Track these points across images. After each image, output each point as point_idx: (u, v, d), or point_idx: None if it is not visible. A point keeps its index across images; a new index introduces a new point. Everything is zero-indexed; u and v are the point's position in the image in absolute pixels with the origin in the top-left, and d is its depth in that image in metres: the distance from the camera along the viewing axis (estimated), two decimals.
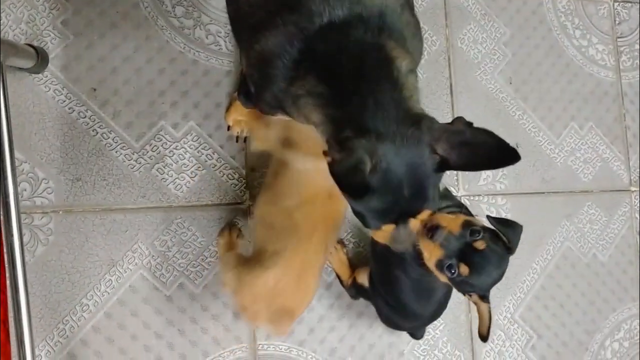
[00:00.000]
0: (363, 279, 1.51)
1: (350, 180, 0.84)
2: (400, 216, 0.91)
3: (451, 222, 1.10)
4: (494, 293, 1.75)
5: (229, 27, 1.56)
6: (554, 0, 1.97)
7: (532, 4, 1.94)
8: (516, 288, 1.79)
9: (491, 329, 1.19)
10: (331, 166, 0.86)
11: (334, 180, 0.84)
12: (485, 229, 1.12)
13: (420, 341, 1.68)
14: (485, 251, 1.10)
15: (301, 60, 0.95)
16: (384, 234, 0.95)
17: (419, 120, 0.87)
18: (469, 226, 1.10)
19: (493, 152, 0.85)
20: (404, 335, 1.66)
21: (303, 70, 0.95)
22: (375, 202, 0.87)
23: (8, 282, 1.25)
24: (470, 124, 0.87)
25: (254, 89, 1.09)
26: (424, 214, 0.92)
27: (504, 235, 1.13)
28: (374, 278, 1.46)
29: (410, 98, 0.90)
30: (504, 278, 1.74)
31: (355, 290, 1.56)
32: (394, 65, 0.91)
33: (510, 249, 1.14)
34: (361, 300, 1.63)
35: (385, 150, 0.84)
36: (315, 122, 0.95)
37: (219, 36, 1.61)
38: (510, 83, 1.87)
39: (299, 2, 0.94)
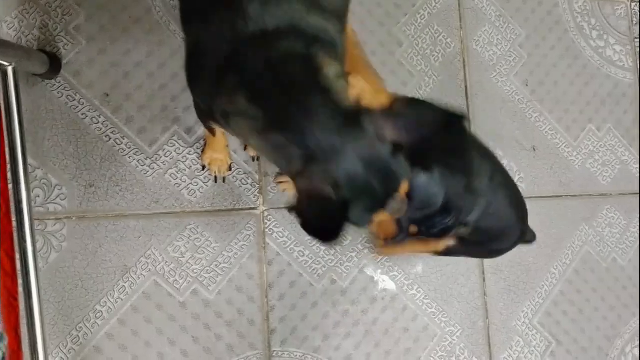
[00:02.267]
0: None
1: (327, 230, 0.86)
2: (382, 203, 0.89)
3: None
4: (511, 299, 1.74)
5: None
6: (570, 1, 1.94)
7: (547, 5, 1.91)
8: (534, 293, 1.76)
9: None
10: (300, 216, 0.87)
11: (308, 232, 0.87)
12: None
13: (437, 347, 1.66)
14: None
15: (226, 67, 0.92)
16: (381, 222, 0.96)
17: (357, 117, 0.85)
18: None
19: (438, 123, 0.84)
20: (421, 341, 1.64)
21: (230, 85, 0.92)
22: (354, 210, 0.86)
23: (21, 288, 1.24)
24: (409, 100, 0.86)
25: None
26: (404, 186, 0.91)
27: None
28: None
29: (342, 99, 0.88)
30: (521, 283, 1.74)
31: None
32: (322, 74, 0.89)
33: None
34: (377, 305, 1.62)
35: (339, 163, 0.84)
36: (256, 147, 0.94)
37: None
38: (527, 85, 1.85)
39: (238, 1, 0.92)
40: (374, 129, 0.85)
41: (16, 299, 1.06)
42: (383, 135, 0.85)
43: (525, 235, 1.48)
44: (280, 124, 0.87)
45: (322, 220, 0.86)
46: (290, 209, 0.89)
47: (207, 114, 1.06)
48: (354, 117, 0.85)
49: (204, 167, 1.54)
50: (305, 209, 0.87)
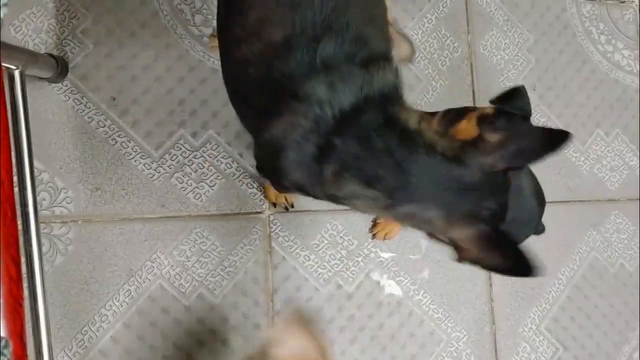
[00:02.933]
0: None
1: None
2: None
3: None
4: (517, 304, 1.73)
5: None
6: (578, 5, 1.93)
7: (555, 9, 1.91)
8: (541, 299, 1.75)
9: None
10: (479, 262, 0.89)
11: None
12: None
13: (443, 353, 1.65)
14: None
15: (324, 156, 0.92)
16: None
17: (460, 159, 0.87)
18: None
19: (542, 140, 0.85)
20: (427, 346, 1.63)
21: (335, 172, 0.92)
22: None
23: (27, 292, 1.24)
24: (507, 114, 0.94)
25: (266, 175, 1.09)
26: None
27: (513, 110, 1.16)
28: None
29: (440, 147, 0.89)
30: (528, 289, 1.73)
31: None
32: (413, 132, 0.90)
33: (526, 117, 1.18)
34: (383, 310, 1.61)
35: (475, 205, 0.87)
36: (380, 215, 0.99)
37: None
38: (534, 89, 1.84)
39: (302, 88, 0.92)
40: (480, 163, 0.87)
41: (21, 305, 1.05)
42: (493, 165, 0.87)
43: (539, 225, 1.45)
44: (404, 199, 0.88)
45: (502, 257, 0.88)
46: (460, 260, 0.91)
47: (286, 188, 1.07)
48: (457, 159, 0.87)
49: (274, 205, 1.57)
50: (481, 257, 0.89)
